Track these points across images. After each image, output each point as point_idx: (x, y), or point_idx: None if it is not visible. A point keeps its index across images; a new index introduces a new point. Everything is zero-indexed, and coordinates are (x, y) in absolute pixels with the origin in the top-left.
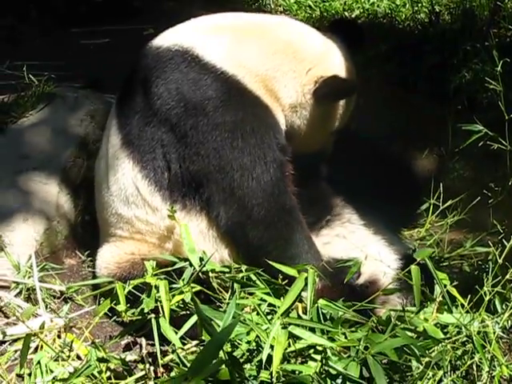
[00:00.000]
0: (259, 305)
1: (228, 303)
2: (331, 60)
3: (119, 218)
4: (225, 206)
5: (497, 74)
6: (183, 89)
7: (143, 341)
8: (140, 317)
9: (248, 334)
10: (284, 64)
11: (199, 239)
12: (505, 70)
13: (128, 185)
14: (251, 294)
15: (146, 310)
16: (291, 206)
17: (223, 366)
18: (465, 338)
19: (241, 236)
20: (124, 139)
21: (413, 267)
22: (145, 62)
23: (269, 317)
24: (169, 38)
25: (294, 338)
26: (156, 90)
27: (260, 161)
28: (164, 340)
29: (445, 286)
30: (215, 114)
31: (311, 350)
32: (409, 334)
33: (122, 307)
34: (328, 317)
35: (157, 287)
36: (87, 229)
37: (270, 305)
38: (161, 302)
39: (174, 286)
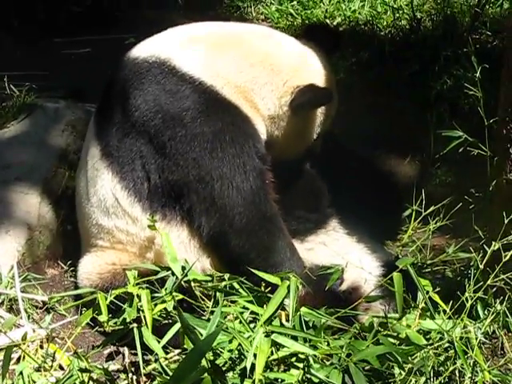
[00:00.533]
0: (241, 313)
1: (211, 311)
2: (308, 69)
3: (100, 228)
4: (206, 215)
5: (476, 80)
6: (161, 100)
7: (126, 350)
8: (122, 326)
9: (230, 342)
10: (261, 77)
11: (180, 249)
12: (485, 76)
13: (107, 196)
14: (234, 302)
15: (128, 320)
16: (272, 214)
17: (205, 375)
18: (447, 344)
19: (223, 245)
20: (103, 150)
21: (395, 274)
22: (122, 73)
23: (251, 325)
24: (146, 49)
25: (277, 345)
26: (134, 102)
27: (239, 170)
28: (147, 349)
29: (427, 292)
30: (193, 125)
31: (294, 358)
32: (391, 340)
33: (103, 317)
34: (311, 324)
35: (139, 296)
36: (69, 239)
37: (252, 313)
38: (143, 311)
39: (156, 295)
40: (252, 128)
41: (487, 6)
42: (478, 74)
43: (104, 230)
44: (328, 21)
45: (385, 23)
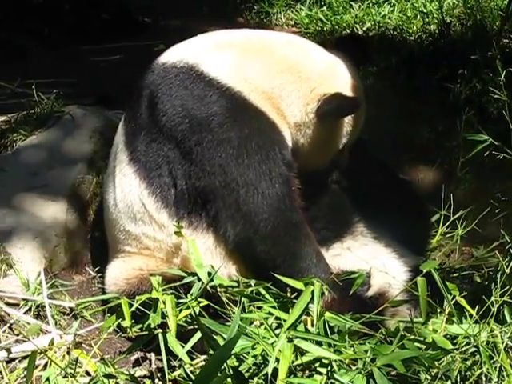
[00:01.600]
0: (266, 318)
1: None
2: (336, 78)
3: (127, 234)
4: (232, 222)
5: (500, 84)
6: (188, 105)
7: (153, 356)
8: (147, 332)
9: (254, 347)
10: (289, 83)
11: (206, 256)
12: None
13: (135, 202)
14: (260, 308)
15: (152, 326)
16: (298, 221)
17: (228, 380)
18: (473, 349)
19: (249, 251)
20: (131, 156)
21: (419, 279)
22: (151, 78)
23: (276, 331)
24: (175, 55)
25: (301, 351)
26: (162, 107)
27: (265, 176)
28: (174, 355)
29: (454, 296)
30: (220, 130)
31: (317, 363)
32: (417, 345)
33: (127, 323)
34: (336, 330)
35: (164, 302)
36: (96, 245)
37: (278, 318)
38: (168, 316)
39: (182, 300)
40: (278, 134)
41: None
42: (502, 78)
43: (131, 236)
44: (358, 26)
45: (414, 28)
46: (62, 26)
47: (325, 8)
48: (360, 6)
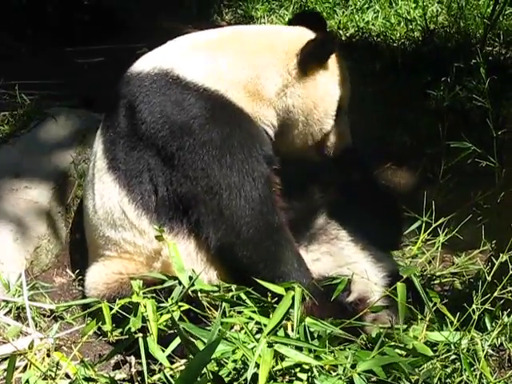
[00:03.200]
0: (246, 323)
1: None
2: (308, 35)
3: (107, 240)
4: (214, 227)
5: (484, 92)
6: (167, 111)
7: (133, 359)
8: (127, 336)
9: (234, 352)
10: (262, 59)
11: (187, 262)
12: (498, 88)
13: (115, 209)
14: (240, 312)
15: (133, 330)
16: (279, 224)
17: None
18: (454, 356)
19: (231, 256)
20: (110, 164)
21: (399, 284)
22: (127, 88)
23: (257, 336)
24: (148, 62)
25: (281, 356)
26: (140, 115)
27: (248, 177)
28: (154, 359)
29: (434, 303)
30: (201, 133)
31: (298, 369)
32: (398, 351)
33: (107, 327)
34: (316, 335)
35: (144, 306)
36: (78, 247)
37: (258, 324)
38: (149, 320)
39: (163, 305)
40: (258, 130)
41: (501, 19)
42: (486, 86)
43: (111, 242)
44: (341, 32)
45: (398, 35)
46: (45, 28)
47: None
48: (344, 11)
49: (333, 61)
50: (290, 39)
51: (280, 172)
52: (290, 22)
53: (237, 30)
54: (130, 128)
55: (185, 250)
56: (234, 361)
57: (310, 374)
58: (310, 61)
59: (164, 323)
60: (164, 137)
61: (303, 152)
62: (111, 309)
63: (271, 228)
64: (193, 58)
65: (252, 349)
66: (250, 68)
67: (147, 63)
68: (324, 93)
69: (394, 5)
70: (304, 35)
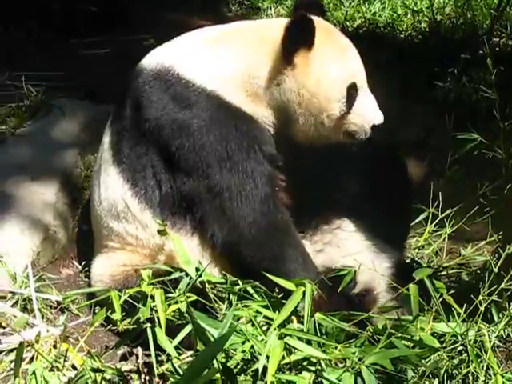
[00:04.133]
0: (255, 316)
1: (224, 314)
2: None
3: (111, 231)
4: (218, 225)
5: (491, 83)
6: (168, 109)
7: (139, 350)
8: (135, 326)
9: (243, 343)
10: (254, 58)
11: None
12: (505, 79)
13: (118, 201)
14: (247, 306)
15: (141, 319)
16: (283, 223)
17: (217, 376)
18: (461, 347)
19: (235, 255)
20: (115, 157)
21: (411, 286)
22: (135, 82)
23: (264, 328)
24: (153, 58)
25: (289, 350)
26: (144, 111)
27: (248, 178)
28: (160, 350)
29: (441, 294)
30: (200, 134)
31: (306, 362)
32: (405, 343)
33: (117, 316)
34: (324, 330)
35: (152, 296)
36: (84, 239)
37: (265, 317)
38: (156, 311)
39: (170, 295)
40: (257, 130)
41: (508, 9)
42: (493, 77)
43: (114, 233)
44: (348, 23)
45: (405, 26)
46: (49, 20)
47: None
48: (350, 3)
49: (325, 40)
50: (278, 35)
51: (286, 168)
52: (293, 12)
53: (238, 26)
54: (134, 123)
55: (187, 246)
56: (243, 351)
57: (318, 366)
58: (291, 48)
59: (172, 314)
60: (165, 135)
61: (328, 139)
62: (120, 298)
63: (274, 227)
64: (194, 55)
65: (261, 341)
66: (246, 66)
67: (153, 59)
68: (318, 78)
69: None
70: None
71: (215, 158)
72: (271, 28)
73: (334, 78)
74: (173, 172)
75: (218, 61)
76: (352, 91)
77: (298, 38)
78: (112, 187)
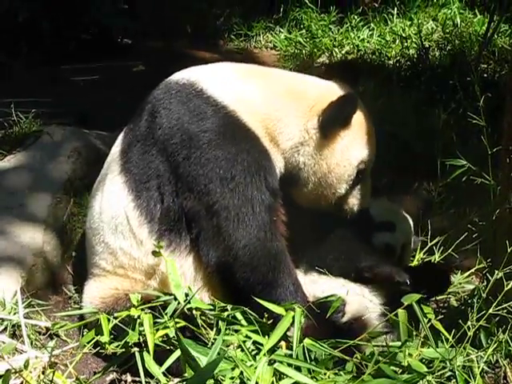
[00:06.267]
0: (244, 341)
1: (214, 339)
2: (334, 94)
3: (105, 247)
4: (213, 244)
5: (479, 109)
6: (183, 119)
7: (128, 377)
8: (124, 350)
9: (233, 370)
10: (286, 104)
11: (181, 280)
12: (492, 105)
13: (119, 212)
14: (237, 331)
15: (130, 343)
16: (278, 250)
17: None
18: (450, 373)
19: (228, 276)
20: (123, 166)
21: (400, 311)
22: (155, 93)
23: (254, 354)
24: (180, 74)
25: (279, 376)
26: (159, 120)
27: (248, 202)
28: (150, 375)
29: (429, 320)
30: (208, 148)
31: None
32: (393, 368)
33: (105, 338)
34: (313, 356)
35: (141, 322)
36: (73, 265)
37: (255, 343)
38: (145, 335)
39: (158, 320)
40: (267, 160)
41: (496, 36)
42: (481, 103)
43: (108, 250)
44: (336, 49)
45: (393, 52)
46: (41, 46)
47: (304, 31)
48: (339, 29)
49: (357, 121)
50: (317, 95)
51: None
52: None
53: (266, 67)
54: (147, 131)
55: (180, 267)
56: (232, 378)
57: None
58: (331, 125)
59: (160, 339)
60: (175, 144)
61: (320, 208)
62: (109, 320)
63: (269, 254)
64: (219, 76)
65: (251, 367)
66: (273, 107)
67: (179, 74)
68: (341, 158)
69: (389, 22)
70: (331, 93)
71: (218, 175)
72: (306, 86)
73: (354, 162)
74: (176, 184)
75: (245, 88)
76: (360, 175)
77: (339, 118)
78: (115, 198)
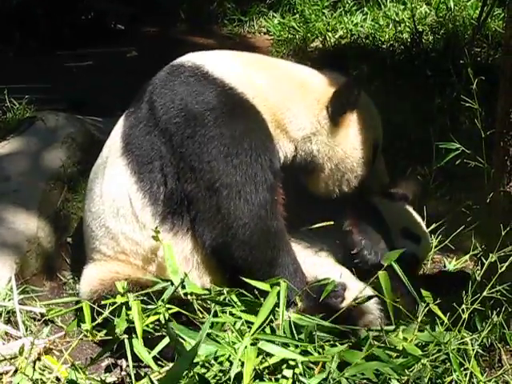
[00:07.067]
0: (234, 323)
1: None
2: (337, 83)
3: (106, 231)
4: (209, 225)
5: (472, 93)
6: (187, 100)
7: (124, 362)
8: (112, 337)
9: (218, 352)
10: (295, 94)
11: (182, 264)
12: (486, 89)
13: (122, 195)
14: (233, 314)
15: (118, 331)
16: (278, 229)
17: None
18: (444, 356)
19: (225, 257)
20: (125, 148)
21: (380, 273)
22: (159, 75)
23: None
24: (185, 57)
25: (268, 354)
26: (162, 101)
27: (250, 180)
28: (142, 360)
29: (427, 304)
30: (214, 125)
31: (284, 366)
32: (388, 352)
33: (87, 326)
34: (304, 335)
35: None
36: (68, 251)
37: (248, 323)
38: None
39: (151, 306)
40: (271, 144)
41: (489, 20)
42: (474, 87)
43: (109, 235)
44: (330, 34)
45: (387, 36)
46: (35, 32)
47: (297, 16)
48: (332, 13)
49: (362, 103)
50: (322, 87)
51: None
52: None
53: (274, 59)
54: (150, 113)
55: (182, 251)
56: (220, 362)
57: (295, 371)
58: (341, 112)
59: (151, 325)
60: (178, 123)
61: (342, 193)
62: (93, 309)
63: (268, 232)
64: (227, 61)
65: (237, 348)
66: (281, 97)
67: (184, 58)
68: (356, 142)
69: (382, 7)
70: (334, 83)
71: (223, 153)
72: (311, 78)
73: (369, 143)
74: (178, 165)
75: (253, 74)
76: (375, 153)
77: (346, 105)
78: (117, 181)
